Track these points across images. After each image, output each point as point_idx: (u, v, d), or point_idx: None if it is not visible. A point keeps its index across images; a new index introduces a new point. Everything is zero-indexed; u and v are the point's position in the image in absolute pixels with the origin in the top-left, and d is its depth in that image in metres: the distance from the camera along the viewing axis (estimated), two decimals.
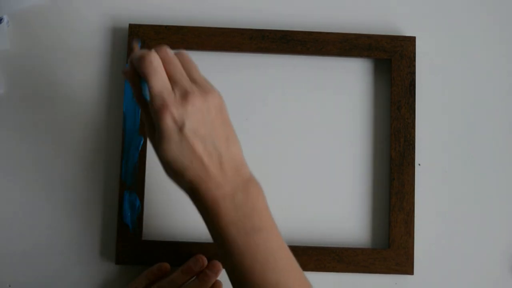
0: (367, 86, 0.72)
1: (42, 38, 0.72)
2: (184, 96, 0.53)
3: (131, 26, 0.70)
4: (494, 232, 0.71)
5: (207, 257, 0.67)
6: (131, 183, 0.69)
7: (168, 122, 0.52)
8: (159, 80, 0.53)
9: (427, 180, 0.71)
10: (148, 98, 0.54)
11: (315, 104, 0.72)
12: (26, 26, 0.72)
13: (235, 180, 0.54)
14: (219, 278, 0.67)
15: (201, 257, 0.67)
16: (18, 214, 0.70)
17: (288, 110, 0.72)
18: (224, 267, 0.55)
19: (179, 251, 0.68)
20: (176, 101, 0.53)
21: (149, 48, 0.69)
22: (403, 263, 0.68)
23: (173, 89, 0.53)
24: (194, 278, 0.67)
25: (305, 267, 0.67)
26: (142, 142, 0.69)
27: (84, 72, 0.71)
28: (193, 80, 0.55)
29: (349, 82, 0.72)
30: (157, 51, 0.55)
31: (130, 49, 0.69)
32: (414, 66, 0.71)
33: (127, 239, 0.68)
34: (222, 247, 0.54)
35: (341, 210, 0.71)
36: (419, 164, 0.71)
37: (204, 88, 0.54)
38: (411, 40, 0.71)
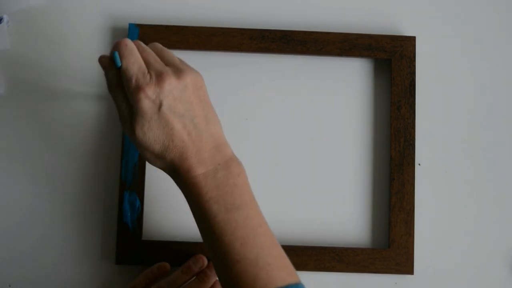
0: (367, 86, 0.72)
1: (42, 38, 0.72)
2: (159, 75, 0.54)
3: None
4: (494, 232, 0.71)
5: (207, 257, 0.67)
6: (131, 183, 0.69)
7: (146, 102, 0.53)
8: (134, 62, 0.54)
9: (427, 180, 0.71)
10: (119, 64, 0.54)
11: (315, 104, 0.72)
12: (26, 26, 0.72)
13: (216, 158, 0.55)
14: None
15: (201, 257, 0.67)
16: (18, 214, 0.70)
17: (288, 110, 0.72)
18: (204, 243, 0.56)
19: (179, 251, 0.68)
20: (152, 81, 0.53)
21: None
22: (403, 263, 0.68)
23: (148, 70, 0.54)
24: (194, 278, 0.67)
25: (305, 267, 0.67)
26: None
27: (84, 72, 0.71)
28: (167, 63, 0.56)
29: (349, 82, 0.72)
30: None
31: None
32: (414, 66, 0.71)
33: (127, 239, 0.68)
34: (203, 223, 0.55)
35: (341, 210, 0.71)
36: (419, 164, 0.71)
37: (179, 67, 0.55)
38: (411, 40, 0.71)
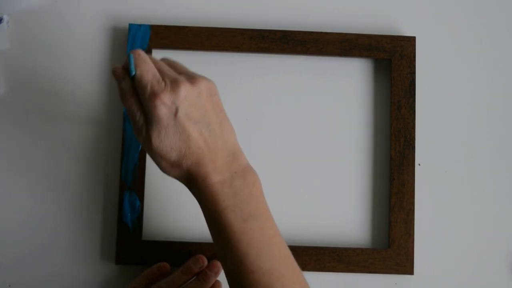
0: (367, 86, 0.72)
1: (42, 38, 0.72)
2: (174, 82, 0.54)
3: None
4: (494, 232, 0.71)
5: (207, 257, 0.67)
6: (131, 183, 0.69)
7: (162, 109, 0.53)
8: (148, 70, 0.54)
9: (427, 180, 0.71)
10: (133, 71, 0.54)
11: (315, 104, 0.72)
12: (26, 26, 0.72)
13: (232, 166, 0.55)
14: (219, 278, 0.67)
15: (201, 257, 0.67)
16: (18, 214, 0.70)
17: (288, 110, 0.72)
18: (217, 252, 0.56)
19: (179, 251, 0.68)
20: (167, 88, 0.53)
21: (149, 48, 0.70)
22: (403, 263, 0.68)
23: (162, 78, 0.54)
24: (194, 278, 0.67)
25: (305, 267, 0.68)
26: None
27: (84, 72, 0.71)
28: (180, 72, 0.56)
29: (349, 82, 0.72)
30: None
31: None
32: (414, 66, 0.71)
33: (127, 239, 0.68)
34: (218, 232, 0.54)
35: (341, 210, 0.71)
36: (419, 164, 0.71)
37: (192, 75, 0.56)
38: (411, 40, 0.71)
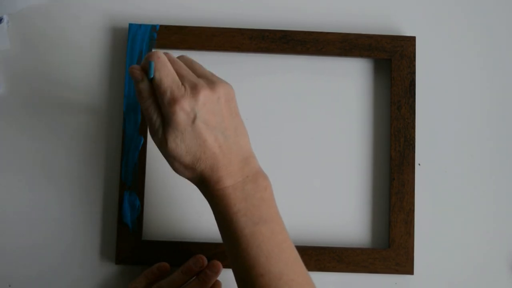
0: (367, 86, 0.72)
1: (42, 38, 0.72)
2: (194, 87, 0.54)
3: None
4: (494, 231, 0.71)
5: (207, 257, 0.67)
6: (131, 183, 0.69)
7: (181, 115, 0.53)
8: (168, 74, 0.54)
9: (427, 180, 0.71)
10: (152, 75, 0.54)
11: (315, 104, 0.72)
12: (26, 26, 0.72)
13: (244, 170, 0.55)
14: (219, 278, 0.67)
15: (201, 257, 0.67)
16: (18, 214, 0.70)
17: (288, 110, 0.72)
18: (228, 255, 0.56)
19: (179, 251, 0.68)
20: (187, 94, 0.53)
21: (150, 48, 0.70)
22: (403, 263, 0.68)
23: (182, 83, 0.54)
24: (194, 278, 0.67)
25: (305, 267, 0.67)
26: (142, 142, 0.69)
27: (84, 72, 0.71)
28: (199, 75, 0.56)
29: (349, 82, 0.72)
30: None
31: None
32: (414, 66, 0.71)
33: (127, 239, 0.68)
34: (229, 235, 0.55)
35: (341, 210, 0.71)
36: (419, 164, 0.71)
37: (211, 79, 0.55)
38: (411, 40, 0.71)
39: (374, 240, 0.70)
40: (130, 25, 0.70)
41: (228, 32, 0.71)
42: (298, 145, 0.71)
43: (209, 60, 0.72)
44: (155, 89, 0.55)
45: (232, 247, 0.55)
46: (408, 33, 0.73)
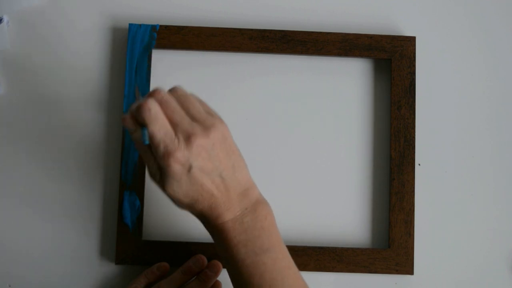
0: (367, 86, 0.72)
1: (42, 38, 0.72)
2: (188, 138, 0.53)
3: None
4: (494, 232, 0.71)
5: (207, 257, 0.67)
6: (131, 183, 0.69)
7: (176, 167, 0.53)
8: (160, 127, 0.53)
9: (427, 180, 0.71)
10: (147, 142, 0.53)
11: (315, 104, 0.72)
12: (26, 26, 0.72)
13: (243, 203, 0.56)
14: (219, 278, 0.67)
15: (201, 257, 0.67)
16: (18, 214, 0.70)
17: (288, 110, 0.72)
18: (233, 285, 0.58)
19: (179, 251, 0.68)
20: (180, 145, 0.53)
21: (150, 48, 0.70)
22: (403, 263, 0.68)
23: (175, 133, 0.53)
24: (194, 278, 0.67)
25: (305, 267, 0.67)
26: None
27: (84, 72, 0.71)
28: (193, 117, 0.54)
29: (349, 82, 0.72)
30: (152, 95, 0.54)
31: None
32: (414, 66, 0.71)
33: (127, 239, 0.68)
34: (231, 266, 0.56)
35: (341, 210, 0.71)
36: (419, 164, 0.71)
37: (205, 124, 0.54)
38: (411, 40, 0.71)
39: (374, 240, 0.70)
40: (130, 25, 0.70)
41: (228, 32, 0.71)
42: (298, 145, 0.71)
43: (209, 60, 0.72)
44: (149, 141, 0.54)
45: (236, 278, 0.56)
46: (408, 33, 0.73)
